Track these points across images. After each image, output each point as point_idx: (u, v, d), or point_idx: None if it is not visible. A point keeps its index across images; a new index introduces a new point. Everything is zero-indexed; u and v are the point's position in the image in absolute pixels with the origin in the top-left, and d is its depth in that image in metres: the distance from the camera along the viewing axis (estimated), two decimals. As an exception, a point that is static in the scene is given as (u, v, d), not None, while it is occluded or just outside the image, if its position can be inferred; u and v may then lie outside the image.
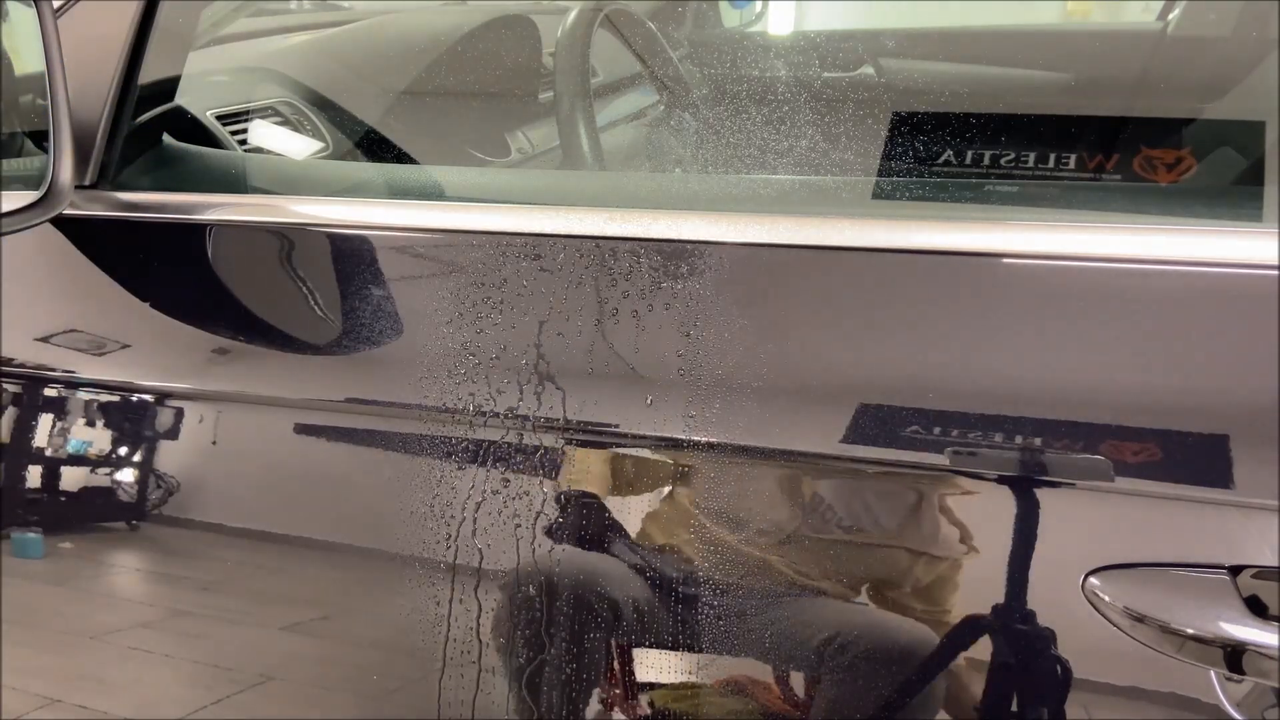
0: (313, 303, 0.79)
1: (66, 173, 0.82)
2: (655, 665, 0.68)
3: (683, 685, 0.68)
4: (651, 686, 0.69)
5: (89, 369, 0.86)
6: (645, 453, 0.68)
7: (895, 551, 0.62)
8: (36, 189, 0.82)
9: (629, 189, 0.94)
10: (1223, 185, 0.66)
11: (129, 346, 0.86)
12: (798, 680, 0.65)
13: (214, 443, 0.81)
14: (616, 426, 0.68)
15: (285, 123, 1.25)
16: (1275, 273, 0.56)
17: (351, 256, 0.78)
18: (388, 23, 1.67)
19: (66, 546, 0.90)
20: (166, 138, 0.98)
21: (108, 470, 0.86)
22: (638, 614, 0.68)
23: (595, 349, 0.69)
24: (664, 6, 1.63)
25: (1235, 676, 0.55)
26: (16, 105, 1.02)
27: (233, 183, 0.99)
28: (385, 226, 0.79)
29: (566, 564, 0.70)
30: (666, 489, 0.68)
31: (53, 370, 0.88)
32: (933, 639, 0.61)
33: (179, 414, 0.83)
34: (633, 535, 0.68)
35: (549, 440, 0.70)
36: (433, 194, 0.95)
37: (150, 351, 0.85)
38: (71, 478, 0.88)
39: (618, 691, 0.70)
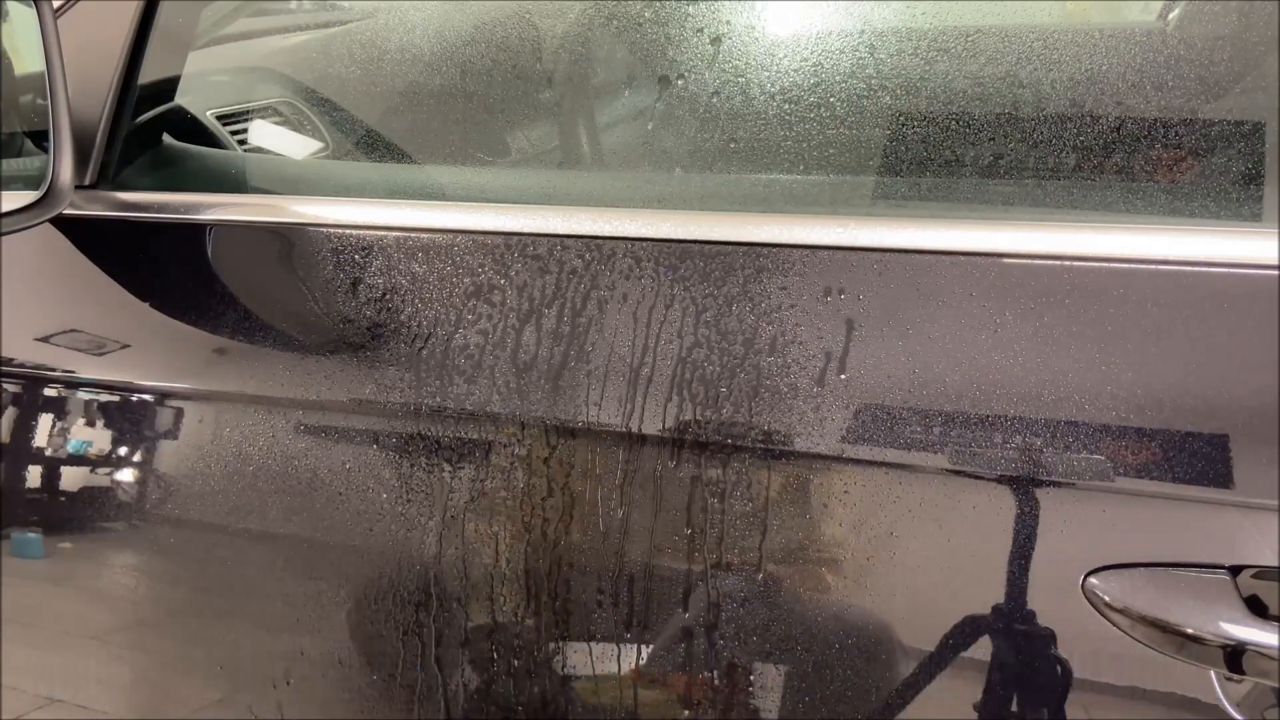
0: (313, 303, 0.79)
1: (66, 173, 0.82)
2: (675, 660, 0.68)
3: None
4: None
5: (89, 369, 0.86)
6: (646, 452, 0.68)
7: (894, 550, 0.62)
8: (36, 189, 0.82)
9: (629, 189, 0.94)
10: (1223, 185, 0.66)
11: (129, 346, 0.86)
12: (799, 678, 0.65)
13: (214, 443, 0.81)
14: (617, 426, 0.68)
15: (285, 123, 1.25)
16: (1275, 273, 0.56)
17: (352, 256, 0.78)
18: (387, 23, 1.67)
19: (66, 546, 0.90)
20: (166, 138, 0.98)
21: (108, 470, 0.86)
22: (647, 613, 0.68)
23: (595, 348, 0.69)
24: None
25: (1235, 676, 0.55)
26: (16, 105, 1.02)
27: (233, 183, 0.99)
28: (385, 226, 0.79)
29: (565, 563, 0.70)
30: (668, 488, 0.68)
31: (53, 370, 0.88)
32: (933, 638, 0.61)
33: (179, 414, 0.83)
34: (636, 534, 0.68)
35: (549, 440, 0.70)
36: (433, 194, 0.95)
37: (150, 351, 0.85)
38: (71, 478, 0.88)
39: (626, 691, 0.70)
